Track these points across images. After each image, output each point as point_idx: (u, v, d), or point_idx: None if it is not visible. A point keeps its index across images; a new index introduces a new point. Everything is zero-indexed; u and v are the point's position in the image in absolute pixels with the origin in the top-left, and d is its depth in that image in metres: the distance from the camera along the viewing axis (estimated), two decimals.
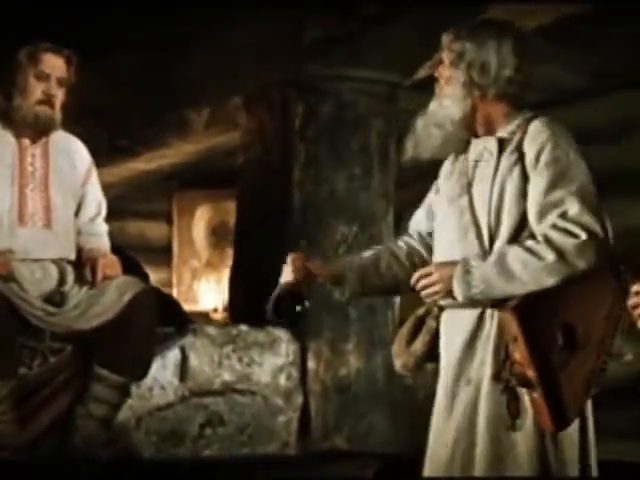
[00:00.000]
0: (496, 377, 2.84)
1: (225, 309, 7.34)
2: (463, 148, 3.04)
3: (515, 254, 2.81)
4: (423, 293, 2.94)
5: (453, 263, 2.87)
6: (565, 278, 2.78)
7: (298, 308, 3.05)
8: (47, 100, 4.05)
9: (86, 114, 5.19)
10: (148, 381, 4.42)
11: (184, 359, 4.67)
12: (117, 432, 4.17)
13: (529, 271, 2.78)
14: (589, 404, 2.92)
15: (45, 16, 4.87)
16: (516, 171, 2.89)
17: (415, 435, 3.13)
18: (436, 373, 3.05)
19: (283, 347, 4.94)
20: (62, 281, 4.06)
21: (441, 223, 3.06)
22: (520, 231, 2.88)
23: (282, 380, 4.93)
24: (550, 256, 2.77)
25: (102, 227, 4.31)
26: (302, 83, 5.18)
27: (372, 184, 5.22)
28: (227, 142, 6.27)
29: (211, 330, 4.81)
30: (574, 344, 2.80)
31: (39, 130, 4.09)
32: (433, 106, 3.03)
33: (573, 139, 2.91)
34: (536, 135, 2.90)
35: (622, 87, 5.68)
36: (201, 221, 8.34)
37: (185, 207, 8.31)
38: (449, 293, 2.88)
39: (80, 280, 4.08)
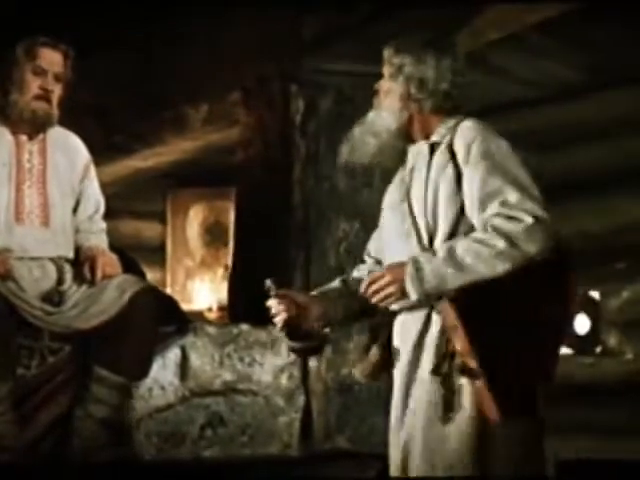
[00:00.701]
0: (435, 370, 2.88)
1: (220, 308, 7.30)
2: (400, 158, 3.10)
3: (465, 246, 2.84)
4: (376, 298, 2.94)
5: (403, 264, 2.89)
6: (518, 264, 2.81)
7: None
8: (44, 95, 4.00)
9: (82, 111, 5.15)
10: (148, 381, 4.37)
11: (185, 359, 4.61)
12: (117, 433, 4.11)
13: (481, 260, 2.81)
14: (541, 403, 2.92)
15: (42, 12, 4.84)
16: (449, 169, 2.94)
17: None
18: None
19: (284, 347, 4.88)
20: (61, 280, 4.01)
21: (386, 231, 3.13)
22: (457, 226, 2.92)
23: (283, 380, 4.88)
24: (500, 243, 2.80)
25: (101, 225, 4.25)
26: (302, 78, 5.16)
27: (373, 181, 5.19)
28: (225, 139, 6.24)
29: (212, 330, 4.76)
30: (520, 333, 2.82)
31: (36, 126, 4.04)
32: (371, 116, 3.10)
33: (502, 138, 2.96)
34: (464, 132, 2.96)
35: (622, 83, 5.67)
36: (195, 220, 8.28)
37: (179, 206, 8.25)
38: (403, 294, 2.89)
39: (79, 279, 4.03)
